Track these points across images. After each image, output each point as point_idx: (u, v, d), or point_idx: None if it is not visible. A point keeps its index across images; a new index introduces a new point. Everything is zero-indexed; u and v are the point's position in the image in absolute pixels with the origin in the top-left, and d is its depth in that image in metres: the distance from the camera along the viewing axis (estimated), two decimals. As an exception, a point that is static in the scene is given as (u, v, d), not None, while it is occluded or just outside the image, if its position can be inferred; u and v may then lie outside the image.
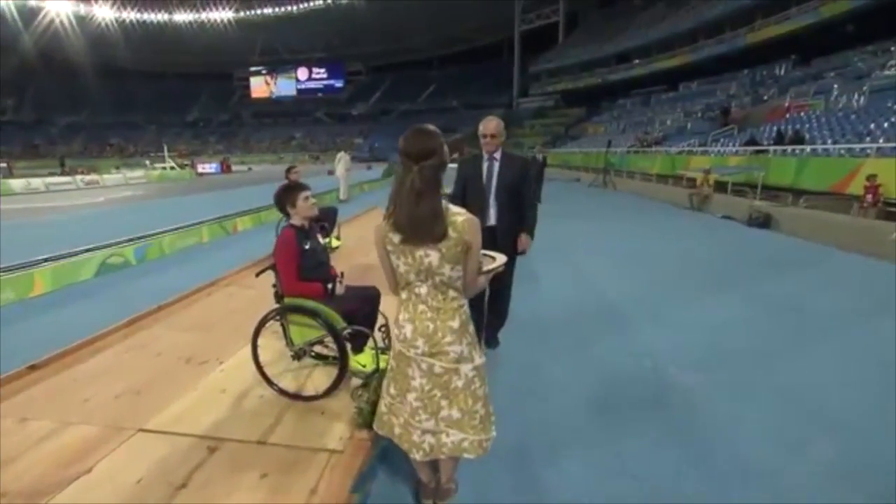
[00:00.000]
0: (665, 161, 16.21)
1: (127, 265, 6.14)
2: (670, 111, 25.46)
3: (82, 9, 44.02)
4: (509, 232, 3.14)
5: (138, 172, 26.71)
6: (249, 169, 36.17)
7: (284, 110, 56.31)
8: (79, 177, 22.53)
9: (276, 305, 2.77)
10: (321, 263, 2.82)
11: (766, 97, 19.66)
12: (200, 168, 32.62)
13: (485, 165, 3.09)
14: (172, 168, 29.51)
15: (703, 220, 10.36)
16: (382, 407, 1.87)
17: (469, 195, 3.13)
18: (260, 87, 56.61)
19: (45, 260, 5.20)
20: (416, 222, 1.52)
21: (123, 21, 46.62)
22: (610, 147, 18.94)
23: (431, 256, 1.56)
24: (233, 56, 53.48)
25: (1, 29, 42.63)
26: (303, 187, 2.80)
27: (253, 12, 46.56)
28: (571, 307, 4.68)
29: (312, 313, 2.56)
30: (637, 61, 32.39)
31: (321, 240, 2.95)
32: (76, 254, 5.50)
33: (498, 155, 3.07)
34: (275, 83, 56.04)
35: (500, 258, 1.91)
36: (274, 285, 2.82)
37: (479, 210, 2.94)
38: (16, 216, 12.11)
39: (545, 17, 41.12)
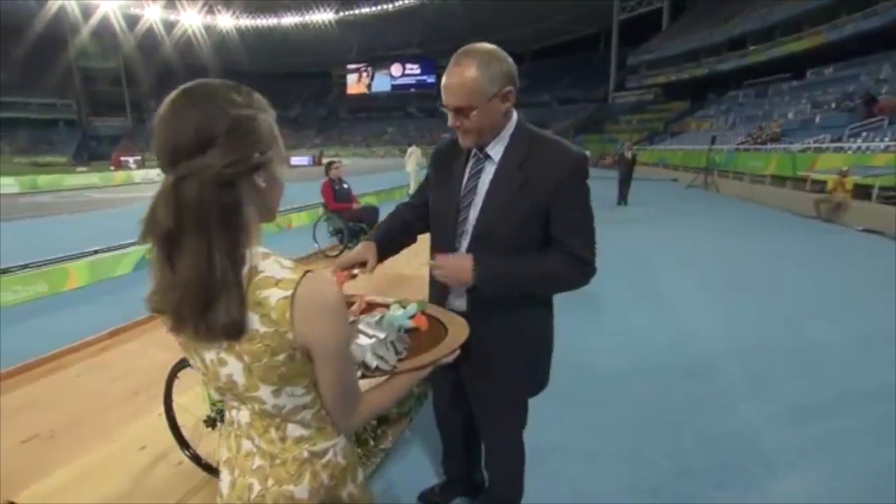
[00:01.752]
0: (783, 160, 13.74)
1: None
2: (793, 102, 21.79)
3: (209, 19, 48.76)
4: (502, 341, 1.46)
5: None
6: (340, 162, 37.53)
7: (378, 105, 58.03)
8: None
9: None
10: None
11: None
12: (294, 160, 34.41)
13: (467, 167, 1.41)
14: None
15: (837, 234, 8.42)
16: None
17: (433, 225, 1.54)
18: (356, 83, 58.86)
19: (83, 255, 5.21)
20: (174, 298, 0.73)
21: (240, 27, 50.89)
22: (714, 144, 16.60)
23: (230, 367, 0.79)
24: (332, 55, 56.12)
25: (147, 39, 48.47)
26: None
27: (352, 12, 48.28)
28: (647, 360, 3.54)
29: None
30: (753, 47, 28.33)
31: None
32: (116, 248, 5.48)
33: (497, 151, 1.36)
34: (370, 80, 57.93)
35: (455, 332, 1.13)
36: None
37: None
38: (119, 204, 13.22)
39: (648, 3, 37.78)
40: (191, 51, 51.71)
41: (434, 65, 55.13)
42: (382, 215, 5.96)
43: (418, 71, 55.80)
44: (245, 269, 0.74)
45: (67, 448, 2.17)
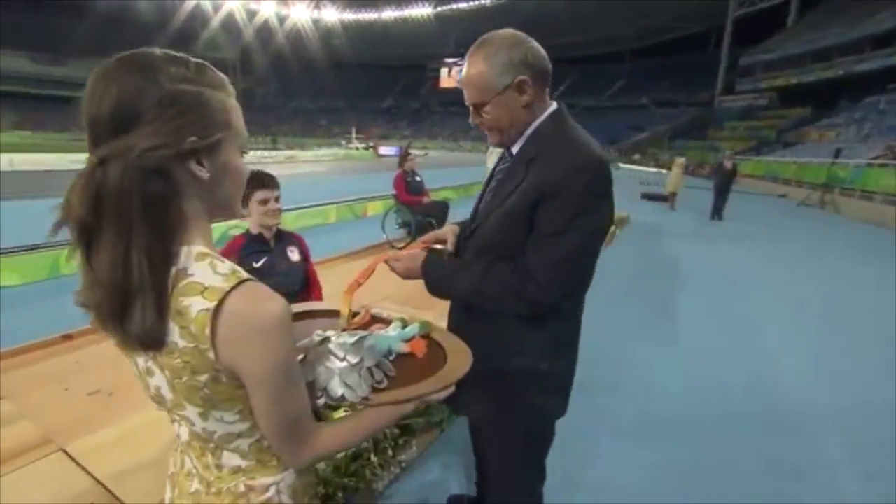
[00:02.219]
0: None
1: (247, 237, 6.41)
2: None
3: (316, 13, 51.78)
4: (482, 360, 1.07)
5: (330, 151, 30.26)
6: (426, 154, 38.23)
7: (468, 100, 58.36)
8: (282, 152, 26.29)
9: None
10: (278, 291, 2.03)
11: None
12: (382, 150, 35.57)
13: (498, 170, 1.31)
14: (357, 149, 32.75)
15: None
16: None
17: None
18: (447, 77, 59.47)
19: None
20: (94, 297, 0.62)
21: (344, 20, 53.41)
22: (838, 157, 14.56)
23: (156, 378, 0.69)
24: (428, 48, 57.11)
25: (261, 33, 52.64)
26: (263, 182, 1.99)
27: (449, 7, 48.72)
28: (720, 403, 3.04)
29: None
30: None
31: (293, 257, 2.16)
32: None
33: (516, 149, 1.21)
34: (461, 74, 58.28)
35: (455, 363, 0.95)
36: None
37: None
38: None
39: (771, -3, 34.13)
40: (299, 42, 55.36)
41: (529, 61, 54.26)
42: (454, 211, 5.82)
43: (510, 68, 55.20)
44: (173, 271, 0.62)
45: (121, 407, 2.23)
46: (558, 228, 1.05)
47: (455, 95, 60.17)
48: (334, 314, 1.12)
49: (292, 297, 2.04)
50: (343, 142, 41.03)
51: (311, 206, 7.90)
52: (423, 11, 50.27)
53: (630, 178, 20.64)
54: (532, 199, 1.08)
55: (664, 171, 16.63)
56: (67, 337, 2.99)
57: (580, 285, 1.15)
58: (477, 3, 47.22)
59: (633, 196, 13.60)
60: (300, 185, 14.64)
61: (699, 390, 3.14)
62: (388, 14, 51.96)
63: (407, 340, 1.01)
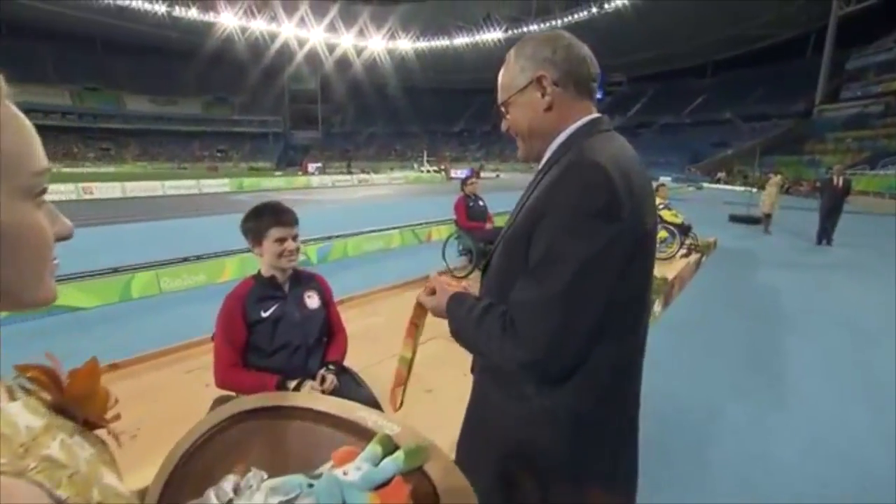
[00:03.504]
0: None
1: (307, 263, 6.46)
2: None
3: (391, 44, 54.31)
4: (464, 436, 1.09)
5: (402, 174, 31.03)
6: (497, 176, 38.23)
7: (540, 122, 57.86)
8: (356, 176, 27.28)
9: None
10: (287, 346, 1.76)
11: None
12: (454, 173, 35.95)
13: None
14: (428, 172, 33.33)
15: None
16: None
17: None
18: (518, 100, 59.56)
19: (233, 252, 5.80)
20: None
21: (417, 49, 55.43)
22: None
23: None
24: (498, 72, 57.55)
25: (340, 63, 56.12)
26: (280, 218, 1.74)
27: (520, 30, 48.85)
28: (858, 496, 2.39)
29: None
30: None
31: (311, 304, 1.87)
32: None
33: (541, 164, 0.99)
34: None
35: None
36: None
37: None
38: (295, 204, 15.05)
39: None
40: (375, 70, 58.12)
41: (603, 79, 52.65)
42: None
43: (584, 86, 54.10)
44: None
45: (141, 453, 2.06)
46: (539, 259, 0.83)
47: (526, 116, 60.55)
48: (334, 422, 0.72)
49: (308, 349, 1.81)
50: (415, 165, 42.08)
51: (374, 231, 7.87)
52: (494, 36, 50.83)
53: (715, 198, 19.05)
54: (530, 220, 0.87)
55: (754, 189, 15.06)
56: (114, 366, 3.01)
57: (574, 336, 0.83)
58: (548, 24, 46.92)
59: (719, 218, 12.37)
60: (367, 208, 14.97)
61: (825, 471, 2.50)
62: (460, 40, 53.14)
63: (378, 487, 0.53)
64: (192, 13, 44.93)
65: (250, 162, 52.77)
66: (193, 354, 3.19)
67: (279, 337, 1.73)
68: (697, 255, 7.09)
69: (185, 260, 5.71)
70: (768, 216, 10.79)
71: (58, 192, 16.41)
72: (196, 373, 2.91)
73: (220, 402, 1.73)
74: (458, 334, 0.95)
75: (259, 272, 1.84)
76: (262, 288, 1.79)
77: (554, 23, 45.86)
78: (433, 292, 1.03)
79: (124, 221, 11.50)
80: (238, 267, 5.76)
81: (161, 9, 43.99)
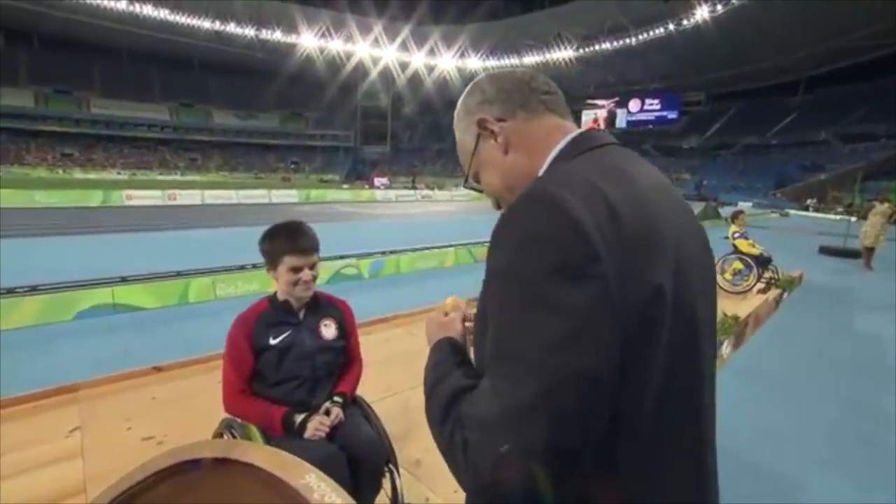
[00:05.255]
0: None
1: (359, 277, 6.43)
2: None
3: (460, 62, 55.38)
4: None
5: (464, 191, 31.11)
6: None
7: (611, 143, 56.05)
8: (419, 192, 27.73)
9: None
10: (292, 379, 1.63)
11: None
12: (515, 192, 35.69)
13: None
14: (491, 190, 33.30)
15: None
16: None
17: None
18: (589, 119, 58.16)
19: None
20: None
21: (486, 67, 56.04)
22: None
23: None
24: (569, 91, 56.37)
25: (411, 81, 58.01)
26: (297, 244, 1.61)
27: (592, 48, 47.94)
28: None
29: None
30: None
31: (327, 333, 1.72)
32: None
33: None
34: (606, 115, 56.51)
35: None
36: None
37: None
38: (354, 218, 15.41)
39: None
40: (445, 88, 59.34)
41: (678, 99, 50.48)
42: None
43: (658, 106, 51.82)
44: None
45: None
46: (489, 351, 0.58)
47: (595, 136, 58.91)
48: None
49: (316, 381, 1.67)
50: (478, 182, 42.22)
51: (429, 248, 7.76)
52: (564, 55, 50.26)
53: (804, 228, 17.33)
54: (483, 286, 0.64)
55: (853, 219, 13.44)
56: (157, 368, 3.11)
57: (538, 452, 0.51)
58: (622, 42, 45.67)
59: (807, 249, 11.13)
60: (425, 224, 15.02)
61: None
62: (530, 59, 53.03)
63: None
64: (277, 35, 48.35)
65: (321, 174, 55.64)
66: None
67: (285, 368, 1.61)
68: (778, 291, 6.42)
69: (242, 268, 5.83)
70: (870, 249, 9.47)
71: (147, 197, 18.27)
72: None
73: (225, 423, 1.70)
74: (426, 384, 0.70)
75: (274, 294, 1.71)
76: (274, 312, 1.66)
77: (628, 41, 44.57)
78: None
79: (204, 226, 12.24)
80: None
81: (250, 32, 47.70)
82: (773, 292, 6.30)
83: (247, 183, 34.74)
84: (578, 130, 0.73)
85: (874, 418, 3.39)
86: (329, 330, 1.72)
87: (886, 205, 9.71)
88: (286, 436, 1.52)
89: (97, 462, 2.14)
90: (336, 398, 1.66)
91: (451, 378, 0.66)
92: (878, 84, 37.21)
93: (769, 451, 2.87)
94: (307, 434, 1.51)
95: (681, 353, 0.61)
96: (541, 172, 0.70)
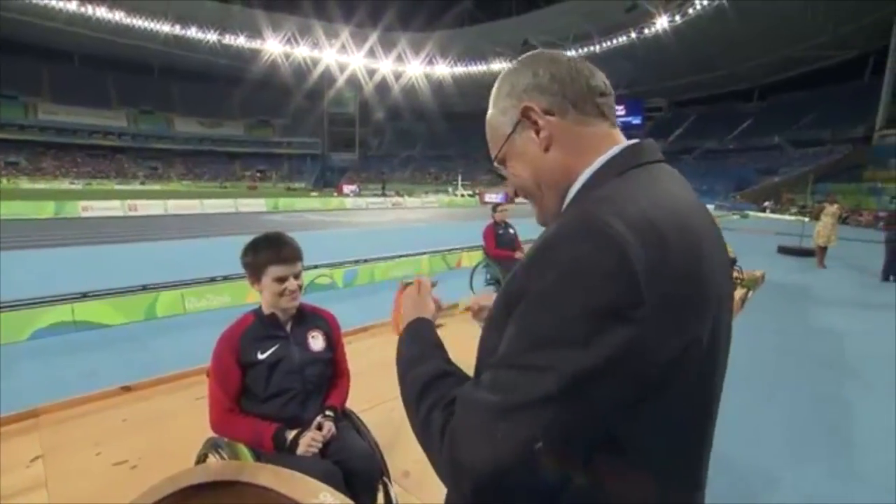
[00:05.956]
0: None
1: (333, 287, 6.31)
2: None
3: (428, 69, 55.55)
4: None
5: (434, 198, 31.12)
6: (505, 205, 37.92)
7: (574, 147, 57.07)
8: (389, 199, 27.55)
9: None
10: (282, 393, 1.60)
11: None
12: (487, 197, 35.77)
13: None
14: (462, 196, 33.31)
15: None
16: None
17: None
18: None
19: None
20: None
21: (454, 74, 56.41)
22: None
23: None
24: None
25: (378, 88, 57.74)
26: (280, 254, 1.59)
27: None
28: None
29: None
30: None
31: (315, 345, 1.71)
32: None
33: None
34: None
35: None
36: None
37: None
38: (320, 227, 15.12)
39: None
40: (413, 94, 59.39)
41: (641, 105, 52.11)
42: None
43: (623, 112, 53.29)
44: None
45: (137, 484, 2.06)
46: (498, 358, 0.57)
47: (561, 141, 59.92)
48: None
49: (307, 394, 1.64)
50: (450, 189, 42.24)
51: (403, 256, 7.69)
52: (531, 61, 51.21)
53: (762, 228, 18.10)
54: (506, 306, 0.61)
55: (806, 219, 14.10)
56: (126, 388, 2.97)
57: (525, 471, 0.52)
58: (586, 50, 46.85)
59: (766, 249, 11.54)
60: (398, 231, 14.91)
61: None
62: (498, 65, 53.73)
63: None
64: (241, 41, 47.37)
65: (288, 182, 54.56)
66: (204, 381, 3.12)
67: (275, 383, 1.59)
68: (743, 291, 6.56)
69: (212, 280, 5.63)
70: (823, 248, 9.93)
71: (105, 208, 17.55)
72: (205, 401, 2.93)
73: (210, 442, 1.67)
74: (398, 365, 0.73)
75: (259, 308, 1.68)
76: (261, 326, 1.63)
77: (592, 48, 45.78)
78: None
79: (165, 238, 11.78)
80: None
81: (213, 37, 46.58)
82: (739, 292, 6.43)
83: (212, 192, 33.73)
84: (628, 143, 0.68)
85: (839, 409, 3.51)
86: (317, 342, 1.70)
87: (836, 206, 10.23)
88: (278, 453, 1.49)
89: (63, 491, 2.02)
90: (328, 412, 1.64)
91: (432, 360, 0.69)
92: (823, 92, 39.46)
93: (743, 446, 2.92)
94: (300, 450, 1.48)
95: (698, 389, 0.60)
96: (581, 180, 0.67)
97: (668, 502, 0.61)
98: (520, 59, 0.73)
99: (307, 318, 1.73)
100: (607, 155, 0.66)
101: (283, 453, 1.48)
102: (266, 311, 1.65)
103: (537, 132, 0.68)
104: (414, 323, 0.79)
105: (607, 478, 0.56)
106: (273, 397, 1.57)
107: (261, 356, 1.58)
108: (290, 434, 1.51)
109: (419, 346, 0.73)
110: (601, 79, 0.71)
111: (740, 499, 2.44)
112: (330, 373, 1.75)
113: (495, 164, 0.76)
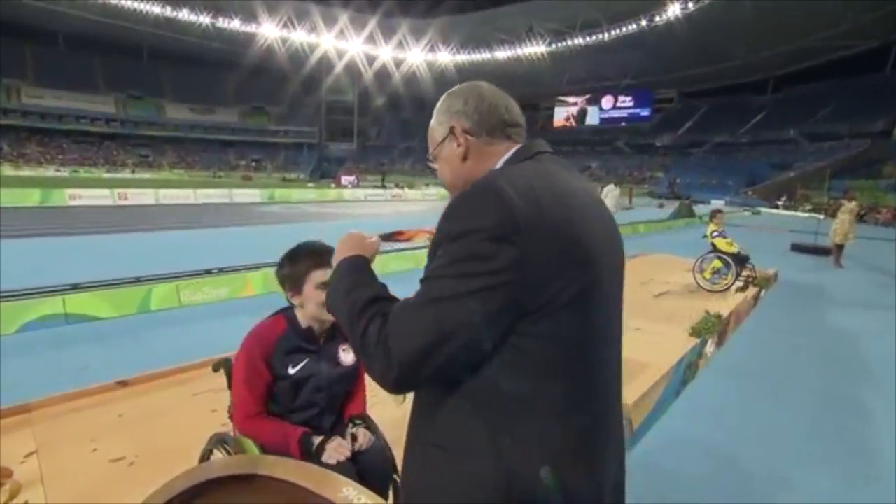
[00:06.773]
0: None
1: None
2: None
3: (430, 56, 53.76)
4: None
5: (435, 190, 29.78)
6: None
7: (584, 139, 55.42)
8: (389, 191, 26.26)
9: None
10: (308, 408, 1.55)
11: None
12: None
13: None
14: (465, 188, 32.07)
15: None
16: None
17: None
18: (562, 116, 57.74)
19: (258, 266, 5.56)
20: None
21: (457, 62, 54.64)
22: None
23: None
24: (540, 87, 55.97)
25: (378, 76, 55.99)
26: (320, 259, 1.48)
27: (565, 44, 47.32)
28: None
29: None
30: None
31: (346, 360, 1.62)
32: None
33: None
34: (578, 113, 56.24)
35: None
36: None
37: None
38: (318, 218, 13.89)
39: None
40: (414, 83, 57.59)
41: (650, 97, 50.76)
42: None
43: (631, 103, 52.06)
44: None
45: (135, 481, 2.00)
46: (423, 277, 0.80)
47: (569, 135, 58.62)
48: None
49: (330, 411, 1.63)
50: (450, 180, 40.87)
51: (406, 250, 6.75)
52: (536, 49, 49.47)
53: (774, 225, 17.09)
54: (433, 245, 0.83)
55: (821, 216, 13.30)
56: (122, 383, 2.90)
57: (432, 353, 0.72)
58: (594, 38, 45.25)
59: (779, 247, 10.93)
60: (396, 224, 13.62)
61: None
62: (502, 54, 52.07)
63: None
64: (235, 24, 45.46)
65: (284, 172, 52.71)
66: (202, 376, 2.98)
67: (302, 398, 1.57)
68: (755, 289, 6.43)
69: (208, 273, 5.48)
70: (840, 247, 9.33)
71: (94, 196, 16.64)
72: (203, 396, 2.80)
73: (216, 438, 1.65)
74: (332, 292, 0.91)
75: (295, 317, 1.61)
76: (295, 338, 1.58)
77: (600, 36, 44.17)
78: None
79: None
80: (262, 282, 5.48)
81: (206, 20, 44.67)
82: (752, 291, 6.33)
83: (205, 181, 32.25)
84: (514, 148, 0.92)
85: (852, 411, 3.43)
86: (348, 354, 1.66)
87: (854, 203, 9.77)
88: (303, 458, 1.43)
89: (61, 488, 1.98)
90: (356, 421, 1.64)
91: (371, 287, 0.85)
92: (841, 84, 38.10)
93: (755, 448, 2.87)
94: (325, 457, 1.44)
95: (578, 322, 0.76)
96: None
97: (564, 404, 0.77)
98: (460, 86, 0.98)
99: (340, 331, 1.64)
100: (506, 155, 0.91)
101: (308, 459, 1.42)
102: (304, 323, 1.60)
103: (458, 145, 0.93)
104: (355, 258, 0.93)
105: (510, 372, 0.75)
106: (296, 411, 1.57)
107: (291, 370, 1.55)
108: (317, 440, 1.48)
109: (359, 275, 0.89)
110: (516, 112, 0.96)
111: (747, 498, 2.41)
112: (354, 382, 1.74)
113: (429, 160, 1.01)
